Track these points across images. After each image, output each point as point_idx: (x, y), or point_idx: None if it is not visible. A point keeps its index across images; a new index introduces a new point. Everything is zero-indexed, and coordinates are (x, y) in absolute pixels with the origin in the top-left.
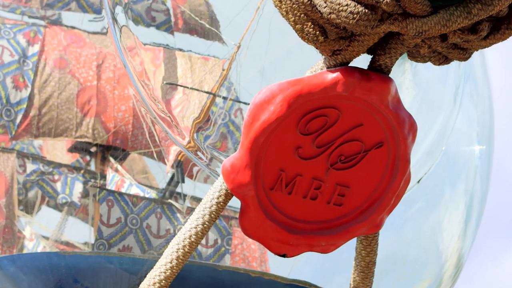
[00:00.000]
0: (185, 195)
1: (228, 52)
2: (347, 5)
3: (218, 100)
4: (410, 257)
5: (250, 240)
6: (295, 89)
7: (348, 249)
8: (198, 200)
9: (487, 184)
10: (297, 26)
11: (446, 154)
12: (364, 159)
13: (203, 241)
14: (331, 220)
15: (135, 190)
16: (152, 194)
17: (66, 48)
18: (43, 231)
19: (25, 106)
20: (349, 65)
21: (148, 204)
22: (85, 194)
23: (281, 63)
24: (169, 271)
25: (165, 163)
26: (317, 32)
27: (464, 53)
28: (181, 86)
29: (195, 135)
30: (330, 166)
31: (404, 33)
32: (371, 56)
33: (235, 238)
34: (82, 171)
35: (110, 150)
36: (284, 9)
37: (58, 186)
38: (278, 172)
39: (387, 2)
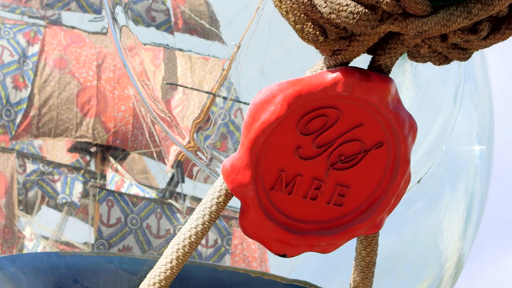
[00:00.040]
0: (185, 195)
1: (228, 52)
2: (347, 5)
3: (218, 100)
4: (410, 257)
5: (250, 240)
6: (295, 89)
7: (348, 249)
8: (198, 200)
9: (487, 184)
10: (297, 26)
11: (446, 154)
12: (364, 159)
13: (203, 241)
14: (331, 220)
15: (135, 190)
16: (152, 194)
17: (66, 48)
18: (43, 231)
19: (25, 106)
20: (349, 65)
21: (148, 204)
22: (85, 194)
23: (281, 63)
24: (169, 271)
25: (165, 163)
26: (317, 32)
27: (464, 53)
28: (181, 86)
29: (195, 135)
30: (330, 166)
31: (404, 33)
32: (371, 56)
33: (235, 238)
34: (82, 171)
35: (110, 150)
36: (284, 9)
37: (58, 186)
38: (278, 172)
39: (387, 2)
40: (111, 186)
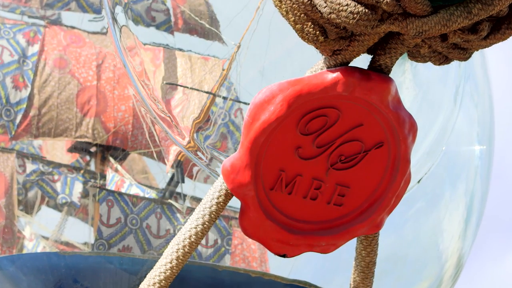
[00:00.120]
0: (185, 195)
1: (228, 52)
2: (347, 5)
3: (218, 100)
4: (410, 257)
5: (250, 240)
6: (295, 89)
7: (348, 249)
8: (198, 200)
9: (488, 184)
10: (297, 26)
11: (446, 154)
12: (364, 159)
13: (203, 241)
14: (331, 220)
15: (135, 190)
16: (152, 194)
17: (66, 48)
18: (43, 231)
19: (24, 106)
20: (349, 65)
21: (148, 204)
22: (85, 194)
23: (281, 63)
24: (169, 271)
25: (165, 163)
26: (317, 32)
27: (464, 53)
28: (181, 86)
29: (195, 135)
30: (330, 166)
31: (404, 33)
32: (371, 56)
33: (235, 238)
34: (82, 171)
35: (110, 150)
36: (284, 9)
37: (58, 186)
38: (278, 172)
39: (387, 2)
40: (111, 186)
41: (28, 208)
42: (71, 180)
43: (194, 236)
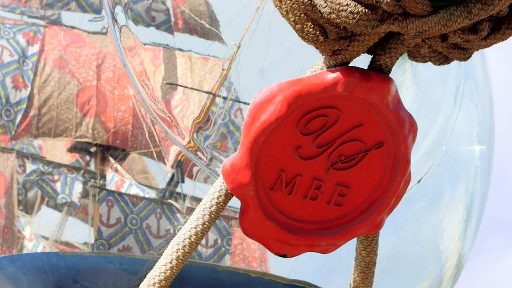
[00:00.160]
0: (185, 195)
1: (228, 52)
2: (347, 5)
3: (218, 100)
4: (410, 257)
5: (250, 240)
6: (295, 89)
7: (348, 249)
8: (198, 200)
9: (488, 184)
10: (297, 26)
11: (446, 154)
12: (364, 159)
13: (203, 241)
14: (331, 220)
15: (135, 190)
16: (152, 194)
17: (65, 48)
18: (42, 231)
19: (24, 106)
20: (349, 65)
21: (148, 204)
22: (84, 194)
23: (281, 63)
24: (169, 271)
25: (165, 163)
26: (317, 32)
27: (464, 53)
28: (181, 86)
29: (195, 135)
30: (330, 166)
31: (404, 33)
32: (371, 56)
33: (235, 238)
34: (81, 171)
35: (110, 150)
36: (284, 9)
37: (58, 186)
38: (278, 172)
39: (387, 2)
40: (111, 186)
41: (28, 208)
42: (71, 180)
43: (194, 236)
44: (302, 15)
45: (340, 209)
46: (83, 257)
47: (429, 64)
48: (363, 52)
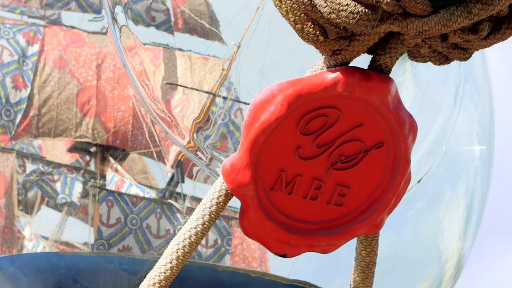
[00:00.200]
0: (185, 195)
1: (228, 52)
2: (347, 5)
3: (218, 100)
4: (410, 257)
5: (250, 240)
6: (295, 89)
7: (348, 250)
8: (198, 200)
9: (488, 184)
10: (297, 26)
11: (447, 154)
12: (364, 159)
13: (203, 241)
14: (331, 220)
15: (135, 190)
16: (152, 194)
17: (65, 48)
18: (42, 231)
19: (24, 106)
20: (349, 65)
21: (148, 204)
22: (84, 194)
23: (281, 63)
24: (169, 271)
25: (165, 163)
26: (317, 32)
27: (464, 53)
28: (181, 86)
29: (195, 135)
30: (330, 166)
31: (404, 33)
32: (371, 56)
33: (235, 238)
34: (81, 171)
35: (110, 150)
36: (284, 9)
37: (58, 186)
38: (278, 172)
39: (387, 2)
40: (111, 186)
41: (28, 208)
42: (71, 180)
43: (194, 236)
44: (302, 15)
45: (340, 209)
46: (83, 257)
47: (429, 64)
48: (363, 52)
